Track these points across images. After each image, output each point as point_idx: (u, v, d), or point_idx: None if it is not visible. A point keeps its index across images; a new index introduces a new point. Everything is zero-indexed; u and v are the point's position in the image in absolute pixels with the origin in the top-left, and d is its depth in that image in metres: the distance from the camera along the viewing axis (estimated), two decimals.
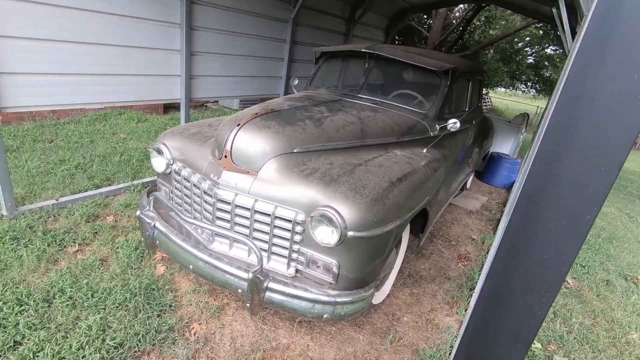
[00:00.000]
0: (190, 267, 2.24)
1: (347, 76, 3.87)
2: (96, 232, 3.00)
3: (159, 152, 2.59)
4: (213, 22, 4.17)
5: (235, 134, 2.21)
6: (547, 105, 5.21)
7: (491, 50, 14.46)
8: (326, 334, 2.37)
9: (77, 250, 2.77)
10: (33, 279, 2.39)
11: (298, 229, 2.08)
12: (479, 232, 4.15)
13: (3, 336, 1.94)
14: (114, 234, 3.01)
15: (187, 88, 4.10)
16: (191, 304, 2.42)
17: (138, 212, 2.42)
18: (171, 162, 2.58)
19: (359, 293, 2.07)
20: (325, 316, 2.02)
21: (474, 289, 2.97)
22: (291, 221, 2.07)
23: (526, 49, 16.66)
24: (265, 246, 2.20)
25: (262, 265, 1.98)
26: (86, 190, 3.61)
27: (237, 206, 2.18)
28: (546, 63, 17.02)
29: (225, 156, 2.22)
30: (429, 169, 2.75)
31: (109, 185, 3.82)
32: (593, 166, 0.61)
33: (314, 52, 4.03)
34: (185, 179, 2.46)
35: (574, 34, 3.94)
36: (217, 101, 8.97)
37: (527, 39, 15.78)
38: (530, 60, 17.02)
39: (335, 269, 2.07)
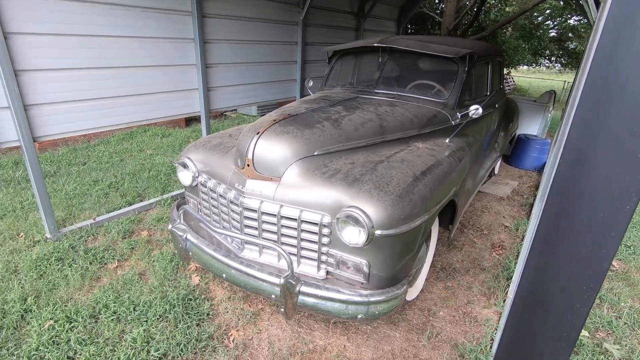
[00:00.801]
0: (224, 275, 2.30)
1: (361, 72, 3.84)
2: (133, 248, 3.12)
3: (185, 166, 2.66)
4: (225, 34, 4.24)
5: (256, 143, 2.24)
6: (574, 81, 4.96)
7: (509, 29, 13.91)
8: (362, 334, 2.37)
9: (117, 266, 2.90)
10: (79, 297, 2.53)
11: (325, 231, 2.09)
12: (512, 219, 4.01)
13: (57, 353, 2.06)
14: (149, 248, 3.13)
15: (206, 100, 4.20)
16: (227, 312, 2.48)
17: (170, 226, 2.51)
18: (197, 175, 2.65)
19: (392, 291, 2.06)
20: (359, 316, 2.01)
21: (511, 278, 2.88)
22: (318, 224, 2.08)
23: (547, 22, 15.92)
24: (295, 250, 2.22)
25: (293, 269, 2.00)
26: (120, 208, 3.77)
27: (263, 213, 2.21)
28: (570, 35, 16.21)
29: (248, 165, 2.25)
30: (454, 159, 2.68)
31: (141, 201, 3.98)
32: (628, 153, 0.57)
33: (326, 52, 4.02)
34: (211, 190, 2.52)
35: (597, 2, 3.72)
36: (236, 110, 9.13)
37: (547, 11, 15.08)
38: (553, 33, 16.26)
39: (365, 269, 2.06)
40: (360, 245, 1.97)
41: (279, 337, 2.31)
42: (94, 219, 3.50)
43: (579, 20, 14.86)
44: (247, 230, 2.33)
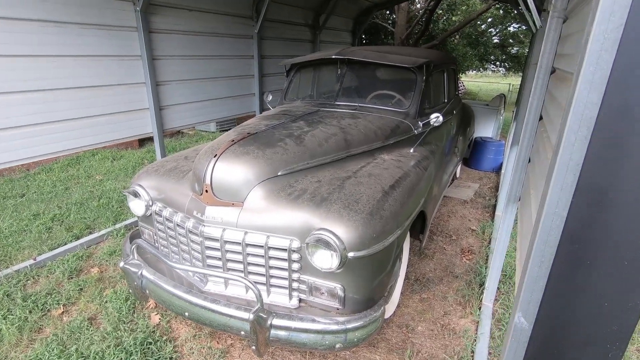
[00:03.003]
0: (186, 314, 2.09)
1: (321, 85, 3.78)
2: (81, 289, 2.80)
3: (136, 194, 2.43)
4: (175, 49, 4.02)
5: (214, 166, 2.07)
6: (522, 84, 5.19)
7: (457, 36, 14.65)
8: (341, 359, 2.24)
9: (63, 312, 2.57)
10: (16, 355, 2.19)
11: (295, 256, 1.95)
12: (477, 222, 4.08)
13: None
14: (100, 287, 2.82)
15: (158, 120, 3.93)
16: (193, 352, 2.26)
17: (122, 264, 2.25)
18: (150, 204, 2.43)
19: (370, 314, 1.95)
20: (337, 346, 1.88)
21: (484, 284, 2.89)
22: (286, 250, 1.94)
23: (490, 30, 16.95)
24: (263, 279, 2.06)
25: (262, 302, 1.84)
26: (65, 244, 3.40)
27: (226, 242, 2.04)
28: (511, 41, 17.37)
29: (206, 190, 2.08)
30: (420, 169, 2.66)
31: (90, 233, 3.62)
32: None
33: (284, 65, 3.92)
34: (167, 219, 2.30)
35: (539, 10, 3.94)
36: (194, 127, 8.77)
37: (489, 20, 16.06)
38: (496, 40, 17.34)
39: (340, 293, 1.95)
40: (333, 270, 1.85)
41: None
42: (34, 259, 3.11)
43: (518, 27, 15.96)
44: (209, 261, 2.14)
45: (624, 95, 0.48)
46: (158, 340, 2.31)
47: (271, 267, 2.02)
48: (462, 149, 4.97)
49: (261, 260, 2.02)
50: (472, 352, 2.26)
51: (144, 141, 7.10)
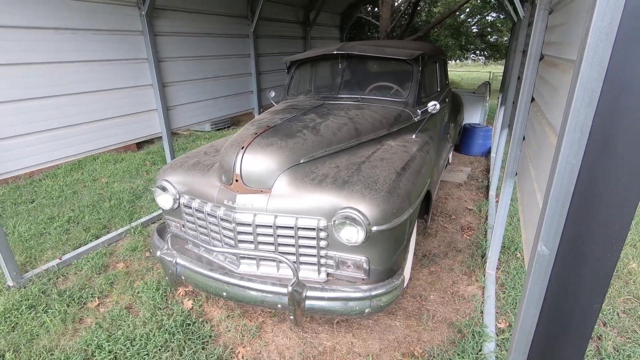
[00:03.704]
0: (224, 294, 2.28)
1: (322, 79, 3.97)
2: (112, 282, 2.95)
3: (164, 189, 2.60)
4: (178, 51, 4.16)
5: (242, 157, 2.26)
6: (505, 72, 5.46)
7: (439, 28, 15.00)
8: (365, 328, 2.47)
9: (98, 304, 2.73)
10: (65, 342, 2.35)
11: (322, 234, 2.16)
12: (473, 202, 4.37)
13: None
14: (130, 279, 2.98)
15: (166, 120, 4.07)
16: (230, 330, 2.46)
17: (158, 253, 2.43)
18: (177, 197, 2.60)
19: (392, 282, 2.18)
20: (367, 310, 2.11)
21: (485, 255, 3.16)
22: (315, 229, 2.15)
23: (468, 20, 17.37)
24: (294, 258, 2.27)
25: (298, 275, 2.05)
26: (86, 243, 3.53)
27: (258, 225, 2.24)
28: (489, 30, 17.83)
29: (236, 180, 2.27)
30: (423, 153, 2.90)
31: (108, 232, 3.75)
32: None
33: (285, 62, 4.10)
34: (197, 210, 2.48)
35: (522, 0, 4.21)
36: (189, 127, 8.84)
37: (467, 10, 16.46)
38: (475, 29, 17.77)
39: (365, 265, 2.17)
40: (358, 243, 2.07)
41: (287, 346, 2.34)
42: (60, 259, 3.24)
43: (496, 16, 16.40)
44: (241, 245, 2.34)
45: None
46: (195, 322, 2.50)
47: (301, 246, 2.23)
48: (454, 135, 5.25)
49: (291, 240, 2.23)
50: (482, 312, 2.52)
51: (141, 144, 7.17)
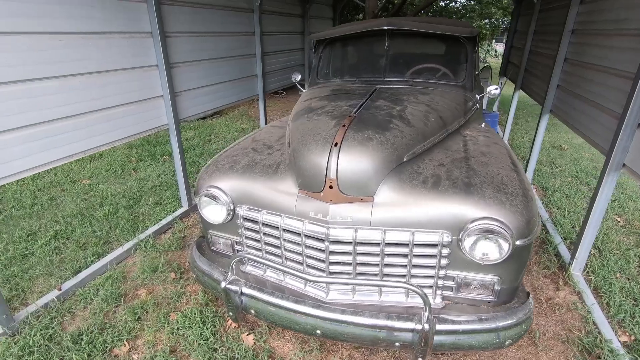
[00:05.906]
0: (317, 332, 1.79)
1: (360, 60, 3.46)
2: (139, 317, 2.32)
3: (214, 198, 2.02)
4: (184, 25, 3.44)
5: (338, 157, 1.75)
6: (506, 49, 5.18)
7: (423, 12, 14.65)
8: (471, 356, 2.09)
9: (129, 349, 2.11)
10: None
11: (445, 251, 1.73)
12: None
13: None
14: (162, 312, 2.36)
15: (174, 108, 3.37)
16: None
17: (223, 284, 1.86)
18: (231, 207, 2.03)
19: (528, 304, 1.81)
20: (507, 342, 1.72)
21: (559, 254, 2.90)
22: (437, 245, 1.71)
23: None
24: (402, 281, 1.82)
25: (430, 306, 1.61)
26: (88, 266, 2.81)
27: (359, 243, 1.76)
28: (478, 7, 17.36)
29: (331, 187, 1.76)
30: (505, 144, 2.53)
31: (111, 249, 3.04)
32: None
33: (311, 40, 3.54)
34: (265, 224, 1.94)
35: None
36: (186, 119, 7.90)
37: None
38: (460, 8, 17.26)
39: (497, 286, 1.78)
40: (497, 261, 1.67)
41: None
42: (60, 289, 2.53)
43: None
44: (332, 267, 1.85)
45: None
46: None
47: (415, 266, 1.78)
48: None
49: (402, 260, 1.78)
50: (594, 323, 2.24)
51: None
